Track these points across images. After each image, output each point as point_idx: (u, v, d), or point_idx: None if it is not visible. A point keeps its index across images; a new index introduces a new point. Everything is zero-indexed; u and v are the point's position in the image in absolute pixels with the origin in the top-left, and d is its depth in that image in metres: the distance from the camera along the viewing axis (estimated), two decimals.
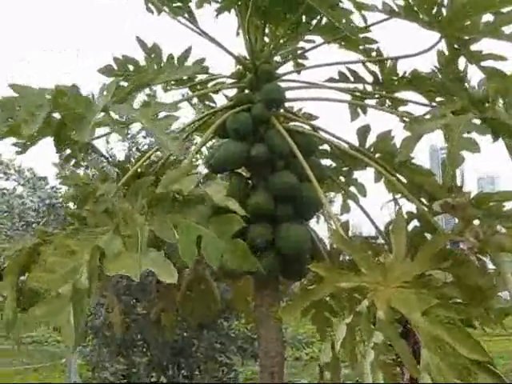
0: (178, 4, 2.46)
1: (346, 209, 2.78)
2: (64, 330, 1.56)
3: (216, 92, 2.60)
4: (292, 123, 2.40)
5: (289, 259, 2.15)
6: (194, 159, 2.29)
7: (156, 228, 1.69)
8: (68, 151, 2.10)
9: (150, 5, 2.56)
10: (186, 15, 2.47)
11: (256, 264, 1.74)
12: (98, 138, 2.01)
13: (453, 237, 1.84)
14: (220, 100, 2.67)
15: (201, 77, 2.69)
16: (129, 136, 6.68)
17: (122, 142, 6.76)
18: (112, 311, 2.20)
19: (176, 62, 2.58)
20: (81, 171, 6.09)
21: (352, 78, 2.55)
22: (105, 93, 1.74)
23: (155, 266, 1.59)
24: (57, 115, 1.73)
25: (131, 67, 2.61)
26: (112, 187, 2.02)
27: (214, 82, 2.64)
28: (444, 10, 1.89)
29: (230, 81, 2.52)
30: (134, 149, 6.67)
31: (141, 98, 2.06)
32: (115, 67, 2.60)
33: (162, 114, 1.71)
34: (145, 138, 6.95)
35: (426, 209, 2.14)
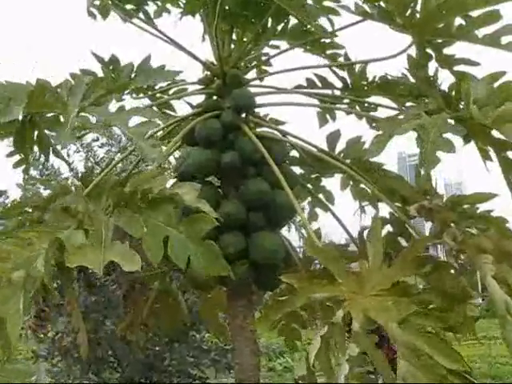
0: (132, 6, 2.40)
1: (314, 217, 2.74)
2: (12, 318, 1.45)
3: (179, 98, 2.53)
4: (260, 129, 2.35)
5: (263, 269, 2.09)
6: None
7: (123, 223, 1.60)
8: (18, 157, 2.00)
9: (92, 9, 2.48)
10: (146, 20, 2.41)
11: (227, 268, 1.63)
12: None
13: (431, 240, 1.81)
14: (182, 109, 2.60)
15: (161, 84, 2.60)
16: (84, 145, 6.42)
17: (78, 153, 6.47)
18: (78, 331, 2.10)
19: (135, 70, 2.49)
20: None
21: (320, 84, 2.52)
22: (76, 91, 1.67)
23: (118, 257, 1.49)
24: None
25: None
26: (76, 199, 1.92)
27: (175, 89, 2.56)
28: (417, 13, 1.87)
29: (194, 87, 2.46)
30: (91, 158, 6.39)
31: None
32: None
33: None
34: (101, 147, 6.60)
35: (400, 213, 2.12)
